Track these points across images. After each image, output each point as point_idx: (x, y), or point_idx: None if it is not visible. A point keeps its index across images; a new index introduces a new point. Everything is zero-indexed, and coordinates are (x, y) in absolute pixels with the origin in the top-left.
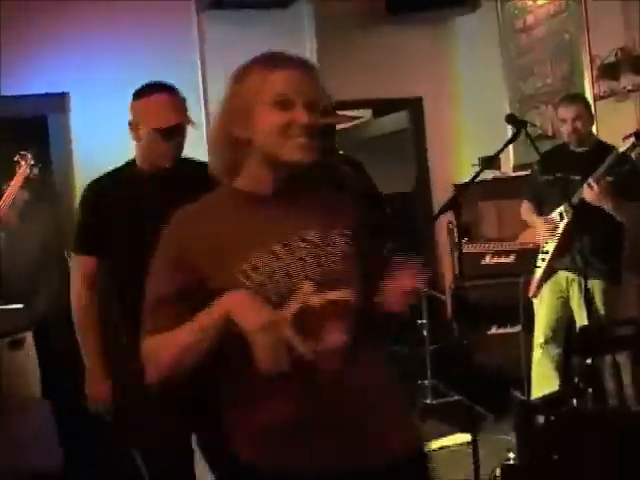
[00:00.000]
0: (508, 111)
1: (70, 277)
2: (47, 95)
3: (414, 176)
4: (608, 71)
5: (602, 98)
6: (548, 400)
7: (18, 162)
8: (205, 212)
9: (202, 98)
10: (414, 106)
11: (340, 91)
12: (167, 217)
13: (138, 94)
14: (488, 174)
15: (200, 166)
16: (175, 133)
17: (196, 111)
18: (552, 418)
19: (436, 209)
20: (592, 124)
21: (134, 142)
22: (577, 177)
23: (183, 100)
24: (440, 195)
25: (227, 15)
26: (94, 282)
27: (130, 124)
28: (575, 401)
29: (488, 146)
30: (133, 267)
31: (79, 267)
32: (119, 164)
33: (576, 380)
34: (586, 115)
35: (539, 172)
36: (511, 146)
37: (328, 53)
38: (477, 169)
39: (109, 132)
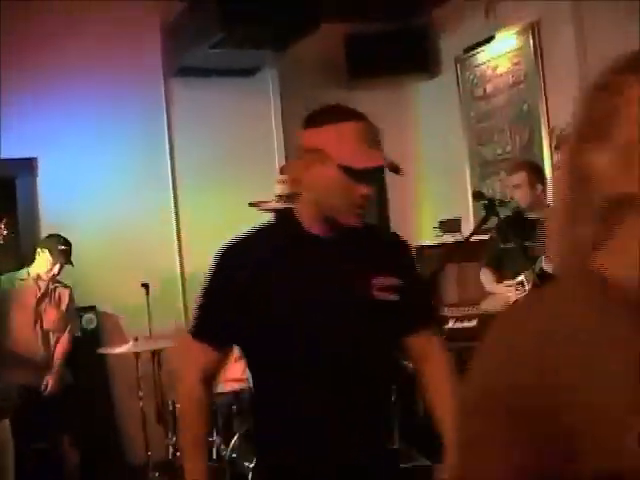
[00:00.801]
0: (468, 175)
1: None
2: (16, 160)
3: None
4: (566, 142)
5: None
6: None
7: None
8: (573, 320)
9: (169, 157)
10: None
11: None
12: (357, 305)
13: (319, 120)
14: (448, 237)
15: (386, 232)
16: (373, 178)
17: (163, 170)
18: None
19: None
20: (543, 189)
21: (298, 193)
22: (535, 244)
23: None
24: None
25: (195, 82)
26: (214, 376)
27: (296, 166)
28: None
29: (449, 209)
30: (291, 372)
31: (196, 356)
32: (85, 225)
33: None
34: (531, 181)
35: (498, 239)
36: (471, 211)
37: (292, 116)
38: (437, 232)
39: (75, 193)
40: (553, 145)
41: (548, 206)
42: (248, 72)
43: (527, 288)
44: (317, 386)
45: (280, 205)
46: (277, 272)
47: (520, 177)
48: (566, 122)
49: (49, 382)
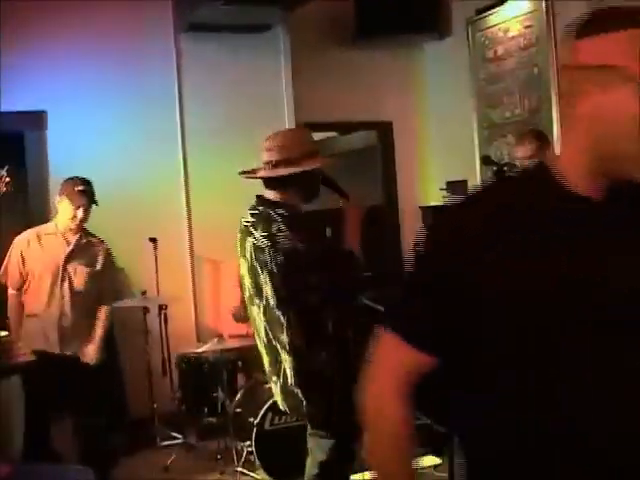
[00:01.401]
0: (476, 137)
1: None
2: (25, 113)
3: (380, 194)
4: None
5: None
6: None
7: None
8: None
9: (178, 118)
10: (383, 128)
11: (313, 112)
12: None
13: (607, 25)
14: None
15: None
16: None
17: (172, 128)
18: None
19: (402, 228)
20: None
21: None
22: None
23: None
24: (407, 215)
25: (205, 37)
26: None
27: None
28: None
29: (455, 170)
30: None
31: (393, 358)
32: (93, 180)
33: None
34: (540, 153)
35: None
36: (478, 173)
37: (302, 77)
38: (444, 193)
39: (84, 149)
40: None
41: None
42: (259, 29)
43: None
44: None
45: (269, 173)
46: (538, 253)
47: (531, 148)
48: None
49: (89, 351)
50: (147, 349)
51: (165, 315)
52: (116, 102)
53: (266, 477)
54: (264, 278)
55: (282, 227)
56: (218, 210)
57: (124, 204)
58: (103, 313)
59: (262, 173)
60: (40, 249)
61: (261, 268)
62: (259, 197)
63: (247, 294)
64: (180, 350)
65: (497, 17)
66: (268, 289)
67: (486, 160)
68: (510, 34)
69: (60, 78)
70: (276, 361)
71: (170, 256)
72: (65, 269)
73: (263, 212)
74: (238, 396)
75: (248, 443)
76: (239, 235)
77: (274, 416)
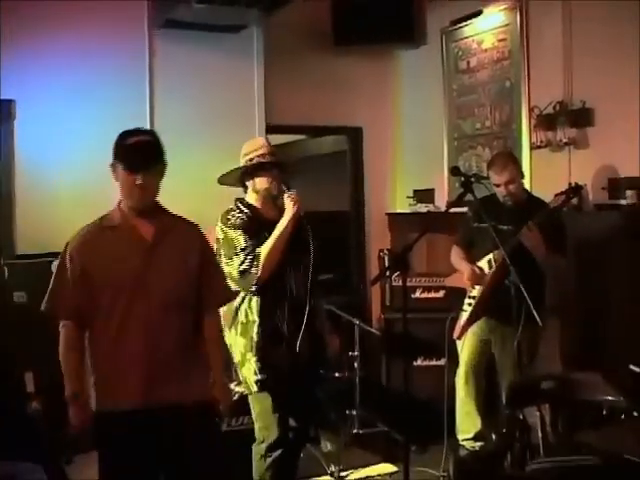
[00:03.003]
0: (446, 147)
1: None
2: None
3: (348, 199)
4: (545, 122)
5: (538, 147)
6: (484, 455)
7: None
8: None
9: (148, 112)
10: (354, 134)
11: (284, 115)
12: None
13: None
14: (421, 207)
15: None
16: None
17: (142, 123)
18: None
19: (368, 233)
20: (522, 179)
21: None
22: (508, 227)
23: None
24: (373, 220)
25: (179, 35)
26: None
27: None
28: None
29: (424, 179)
30: None
31: None
32: (62, 172)
33: (505, 431)
34: (518, 176)
35: (472, 219)
36: (446, 183)
37: (275, 78)
38: (411, 201)
39: (53, 139)
40: (532, 124)
41: (524, 190)
42: (234, 29)
43: (493, 268)
44: None
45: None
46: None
47: (512, 172)
48: (547, 102)
49: None
50: None
51: None
52: (87, 97)
53: None
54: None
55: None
56: (186, 210)
57: (91, 198)
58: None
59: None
60: None
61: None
62: None
63: None
64: None
65: (471, 29)
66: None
67: (454, 171)
68: (484, 46)
69: (31, 70)
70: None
71: None
72: None
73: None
74: None
75: None
76: None
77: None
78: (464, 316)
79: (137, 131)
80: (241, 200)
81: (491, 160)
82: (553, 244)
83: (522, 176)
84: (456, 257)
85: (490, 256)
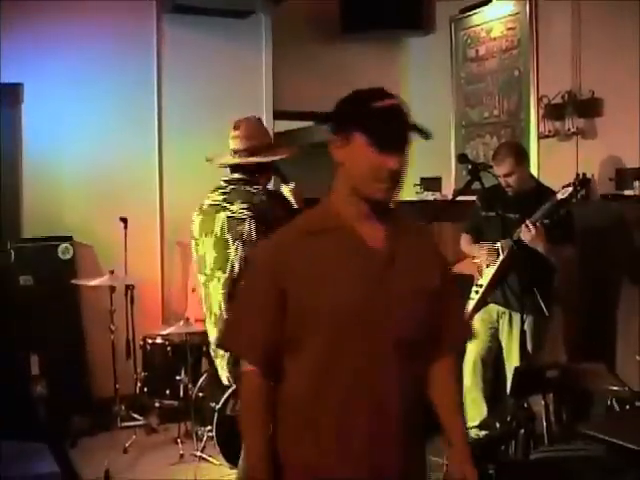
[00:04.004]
0: (453, 135)
1: None
2: (1, 85)
3: None
4: (554, 112)
5: (546, 137)
6: (487, 442)
7: None
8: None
9: (156, 98)
10: None
11: (291, 102)
12: None
13: None
14: (428, 195)
15: None
16: None
17: (149, 110)
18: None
19: None
20: (527, 170)
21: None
22: (515, 216)
23: None
24: None
25: (187, 20)
26: None
27: None
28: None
29: (431, 167)
30: None
31: None
32: (68, 156)
33: (509, 419)
34: (518, 168)
35: (480, 207)
36: (453, 171)
37: (282, 65)
38: (418, 189)
39: (61, 124)
40: (540, 114)
41: (532, 178)
42: (242, 14)
43: (502, 257)
44: None
45: (236, 160)
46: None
47: (510, 165)
48: (556, 91)
49: None
50: (112, 329)
51: (132, 295)
52: (94, 81)
53: (224, 463)
54: (235, 249)
55: (264, 198)
56: (190, 194)
57: (97, 182)
58: None
59: (228, 160)
60: None
61: (234, 240)
62: (229, 180)
63: (206, 271)
64: (145, 331)
65: (480, 17)
66: (236, 259)
67: (462, 158)
68: (493, 35)
69: (38, 55)
70: None
71: (140, 237)
72: None
73: (238, 188)
74: (201, 380)
75: (209, 428)
76: (200, 217)
77: (236, 402)
78: (471, 304)
79: (381, 91)
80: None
81: (495, 150)
82: (560, 236)
83: (528, 166)
84: (466, 244)
85: (498, 244)
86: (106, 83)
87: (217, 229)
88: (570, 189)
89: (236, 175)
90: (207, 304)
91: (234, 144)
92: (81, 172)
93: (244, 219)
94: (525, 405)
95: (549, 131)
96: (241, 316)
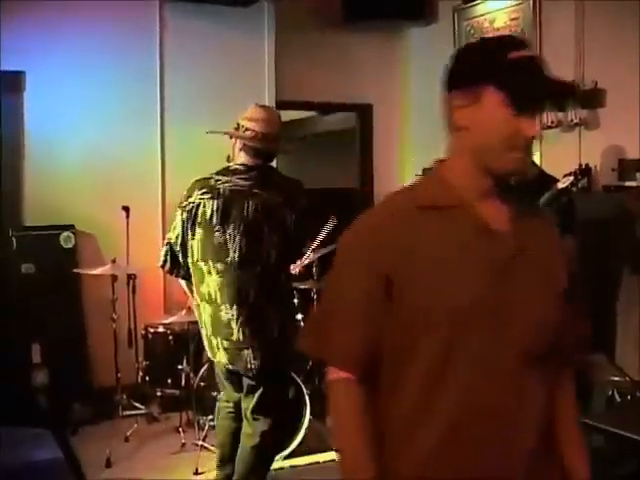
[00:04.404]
0: None
1: None
2: (3, 72)
3: (356, 176)
4: None
5: (549, 127)
6: None
7: None
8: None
9: (158, 86)
10: (363, 111)
11: (293, 91)
12: None
13: None
14: None
15: None
16: None
17: (151, 98)
18: None
19: None
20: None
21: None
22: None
23: None
24: (381, 198)
25: (190, 8)
26: None
27: None
28: None
29: (432, 157)
30: None
31: None
32: (71, 144)
33: None
34: None
35: None
36: None
37: (285, 54)
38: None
39: (62, 112)
40: None
41: (536, 166)
42: (243, 3)
43: None
44: None
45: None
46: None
47: None
48: None
49: None
50: (114, 317)
51: (134, 284)
52: (96, 70)
53: None
54: (269, 236)
55: (299, 190)
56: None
57: (99, 171)
58: None
59: (234, 132)
60: None
61: (270, 227)
62: (250, 165)
63: (228, 260)
64: (147, 320)
65: (483, 7)
66: (272, 247)
67: None
68: (496, 25)
69: (42, 42)
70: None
71: (142, 226)
72: None
73: (265, 174)
74: (203, 370)
75: (210, 417)
76: (217, 202)
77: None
78: None
79: (515, 39)
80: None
81: None
82: (560, 225)
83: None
84: None
85: None
86: (108, 72)
87: (249, 215)
88: (571, 178)
89: (256, 160)
90: (205, 290)
91: (270, 128)
92: (83, 161)
93: (280, 206)
94: None
95: (552, 122)
96: (331, 315)
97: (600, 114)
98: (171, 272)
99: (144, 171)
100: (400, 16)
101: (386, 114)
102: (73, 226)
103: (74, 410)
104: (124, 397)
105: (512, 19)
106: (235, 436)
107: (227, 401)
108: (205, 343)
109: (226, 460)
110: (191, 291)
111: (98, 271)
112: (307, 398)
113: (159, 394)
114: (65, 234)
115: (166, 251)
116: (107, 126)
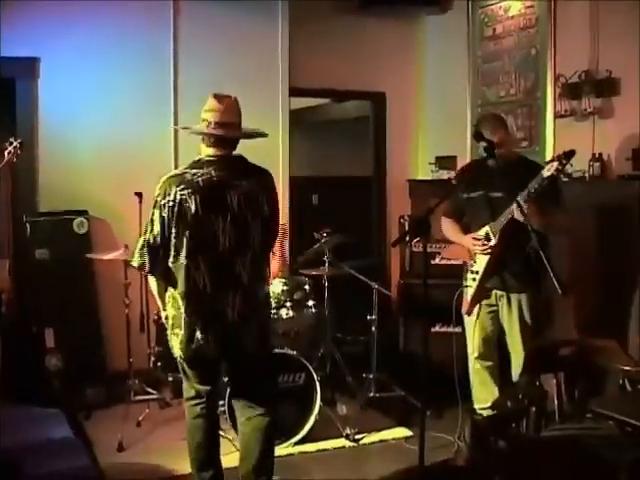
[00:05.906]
0: (469, 114)
1: None
2: (17, 59)
3: (370, 164)
4: (570, 91)
5: (562, 116)
6: (499, 419)
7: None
8: None
9: (172, 73)
10: (377, 99)
11: (307, 78)
12: None
13: None
14: (443, 174)
15: None
16: None
17: (165, 85)
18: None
19: (389, 199)
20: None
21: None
22: (498, 194)
23: None
24: (394, 187)
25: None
26: None
27: None
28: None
29: (446, 146)
30: None
31: None
32: (84, 130)
33: (521, 397)
34: (508, 138)
35: (460, 188)
36: (468, 148)
37: (299, 41)
38: (433, 168)
39: (77, 100)
40: (557, 93)
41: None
42: None
43: (494, 242)
44: None
45: (210, 131)
46: None
47: (503, 135)
48: (573, 71)
49: None
50: (126, 302)
51: None
52: (111, 57)
53: (237, 437)
54: (252, 223)
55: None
56: None
57: (113, 157)
58: None
59: (199, 129)
60: None
61: (254, 215)
62: (210, 156)
63: (220, 248)
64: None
65: None
66: (256, 233)
67: (477, 136)
68: (510, 13)
69: (56, 29)
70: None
71: None
72: None
73: (238, 163)
74: None
75: (221, 403)
76: (198, 195)
77: None
78: (469, 292)
79: None
80: None
81: (481, 123)
82: (547, 205)
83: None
84: (450, 230)
85: (487, 228)
86: (122, 59)
87: (234, 206)
88: (555, 164)
89: (209, 150)
90: (220, 280)
91: (227, 117)
92: (97, 147)
93: (258, 194)
94: (537, 383)
95: (565, 110)
96: None
97: (614, 103)
98: (152, 272)
99: (157, 157)
100: (415, 3)
101: (400, 102)
102: (86, 212)
103: (87, 394)
104: (136, 382)
105: (527, 7)
106: (212, 434)
107: (195, 397)
108: (176, 341)
109: (206, 462)
110: (161, 296)
111: (111, 256)
112: (318, 385)
113: (171, 379)
114: (79, 220)
115: (145, 252)
116: (121, 113)
